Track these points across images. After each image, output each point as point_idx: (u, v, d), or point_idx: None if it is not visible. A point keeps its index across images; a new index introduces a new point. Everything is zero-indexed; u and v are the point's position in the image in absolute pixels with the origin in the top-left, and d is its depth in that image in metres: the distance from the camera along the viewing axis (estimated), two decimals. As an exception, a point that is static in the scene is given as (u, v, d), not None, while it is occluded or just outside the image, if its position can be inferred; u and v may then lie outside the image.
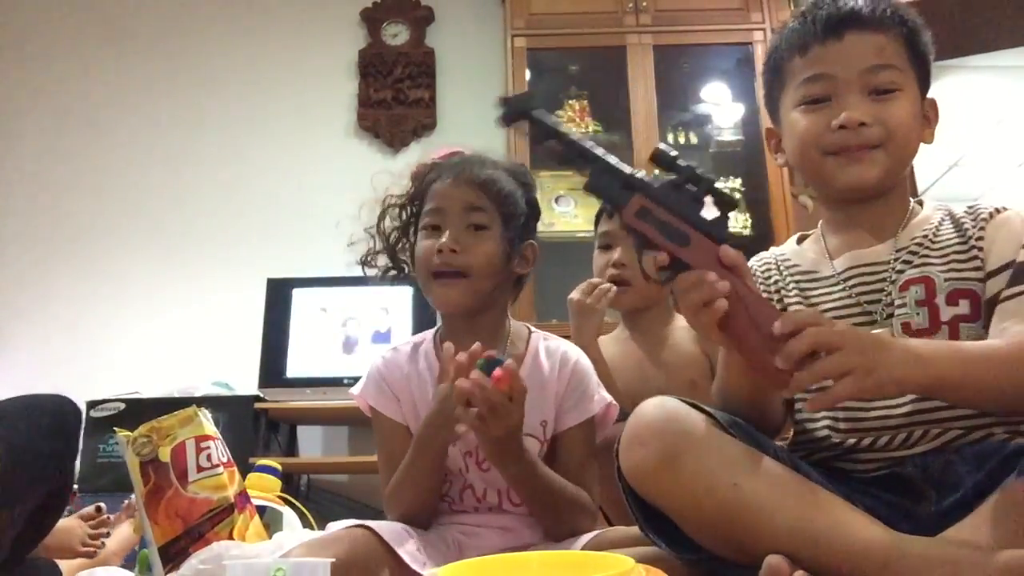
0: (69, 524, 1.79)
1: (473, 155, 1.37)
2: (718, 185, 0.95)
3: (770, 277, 1.18)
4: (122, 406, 2.60)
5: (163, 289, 3.20)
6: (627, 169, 0.95)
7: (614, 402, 1.33)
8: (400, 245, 1.39)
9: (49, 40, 3.47)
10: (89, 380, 2.87)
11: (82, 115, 3.40)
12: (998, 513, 0.83)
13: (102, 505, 1.90)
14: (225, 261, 3.22)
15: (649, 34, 3.05)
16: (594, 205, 3.11)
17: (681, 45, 3.11)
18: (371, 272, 1.40)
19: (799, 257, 1.17)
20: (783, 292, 1.15)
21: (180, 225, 3.28)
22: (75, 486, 2.44)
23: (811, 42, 1.09)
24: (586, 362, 1.35)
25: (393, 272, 1.39)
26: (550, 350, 1.34)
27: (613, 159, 0.96)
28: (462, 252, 1.26)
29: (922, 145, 1.12)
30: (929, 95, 1.13)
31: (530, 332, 1.37)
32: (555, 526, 1.24)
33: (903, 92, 1.07)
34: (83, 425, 1.35)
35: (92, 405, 2.63)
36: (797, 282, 1.14)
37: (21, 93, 3.42)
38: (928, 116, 1.12)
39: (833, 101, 1.07)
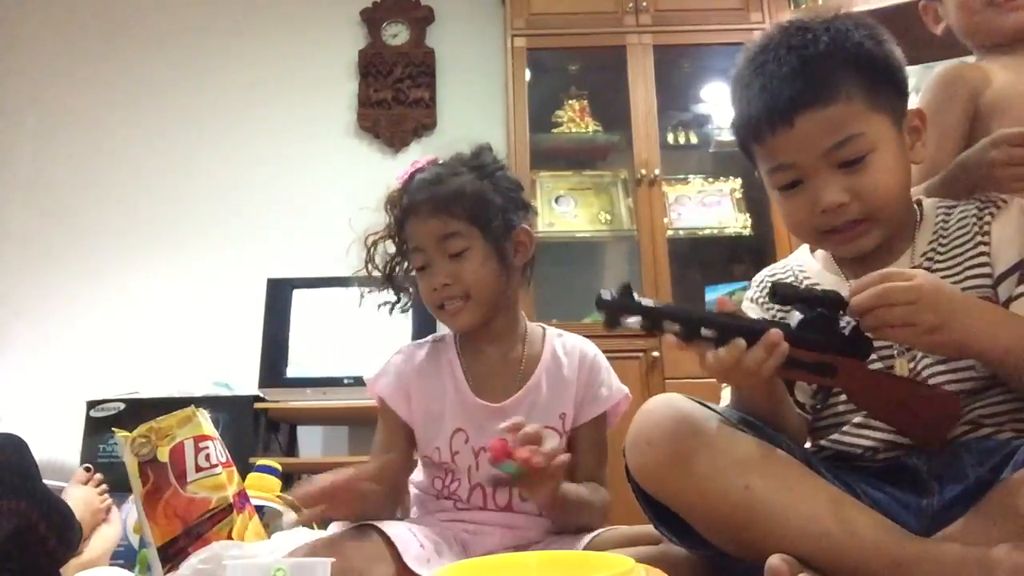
0: (79, 493, 1.79)
1: (430, 172, 1.35)
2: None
3: None
4: (122, 406, 2.60)
5: (163, 289, 3.20)
6: (757, 322, 0.93)
7: (628, 394, 1.36)
8: (396, 272, 1.40)
9: (49, 41, 3.47)
10: (89, 380, 2.87)
11: (82, 115, 3.40)
12: (998, 509, 0.83)
13: (89, 465, 1.92)
14: (225, 261, 3.22)
15: (649, 34, 3.04)
16: (594, 205, 3.12)
17: (681, 45, 3.11)
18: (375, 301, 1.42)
19: (818, 274, 1.13)
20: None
21: (180, 225, 3.28)
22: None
23: (763, 132, 1.02)
24: (601, 358, 1.37)
25: (397, 303, 1.41)
26: (567, 347, 1.37)
27: (742, 319, 0.94)
28: (454, 283, 1.29)
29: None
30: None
31: (544, 330, 1.40)
32: (569, 528, 1.26)
33: (875, 151, 1.00)
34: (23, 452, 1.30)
35: (92, 405, 2.63)
36: None
37: (21, 93, 3.42)
38: (916, 128, 1.06)
39: (806, 183, 1.02)
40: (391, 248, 1.39)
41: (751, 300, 1.18)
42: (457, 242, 1.29)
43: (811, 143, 1.00)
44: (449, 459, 1.30)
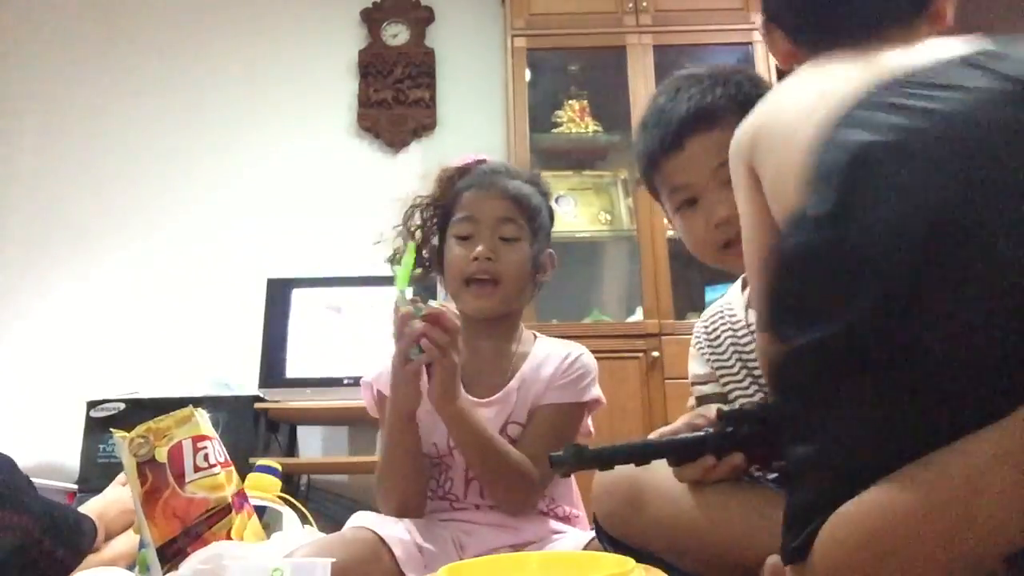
0: (114, 494, 1.77)
1: (499, 166, 1.43)
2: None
3: (717, 338, 1.20)
4: (122, 406, 2.60)
5: (163, 289, 3.20)
6: (700, 439, 0.97)
7: (601, 399, 1.37)
8: (427, 244, 1.43)
9: (49, 40, 3.47)
10: (89, 380, 2.87)
11: (82, 115, 3.40)
12: None
13: None
14: (225, 261, 3.22)
15: (649, 34, 3.04)
16: (594, 205, 3.12)
17: (681, 45, 3.10)
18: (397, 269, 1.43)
19: (740, 309, 1.20)
20: (723, 355, 1.18)
21: (180, 225, 3.28)
22: (75, 486, 2.45)
23: (658, 157, 1.14)
24: (587, 359, 1.38)
25: (419, 270, 1.43)
26: (553, 348, 1.40)
27: (687, 438, 0.98)
28: (496, 259, 1.33)
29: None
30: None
31: (535, 336, 1.43)
32: (491, 485, 1.28)
33: None
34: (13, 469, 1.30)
35: (92, 405, 2.63)
36: (732, 337, 1.18)
37: (20, 92, 3.42)
38: None
39: (699, 201, 1.12)
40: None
41: (695, 348, 1.24)
42: (512, 229, 1.36)
43: (700, 163, 1.11)
44: (448, 452, 1.33)
